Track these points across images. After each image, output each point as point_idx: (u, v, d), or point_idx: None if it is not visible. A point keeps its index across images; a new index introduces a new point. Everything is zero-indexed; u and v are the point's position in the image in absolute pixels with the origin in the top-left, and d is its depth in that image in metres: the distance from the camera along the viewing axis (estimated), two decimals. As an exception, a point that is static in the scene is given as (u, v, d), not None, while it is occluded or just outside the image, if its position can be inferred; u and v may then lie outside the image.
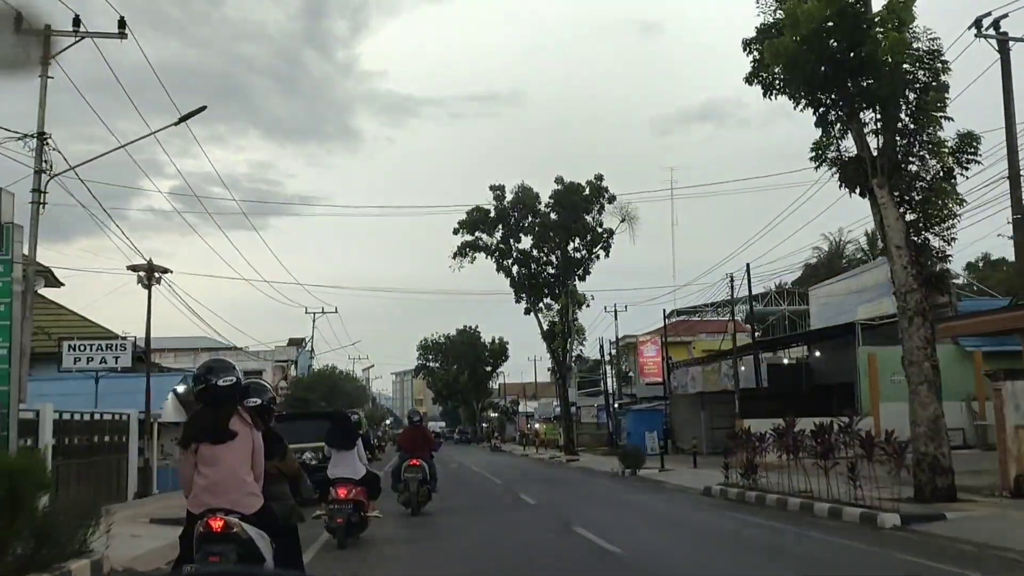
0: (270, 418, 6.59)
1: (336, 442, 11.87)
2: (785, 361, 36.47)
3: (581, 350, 44.96)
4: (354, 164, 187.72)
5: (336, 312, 54.84)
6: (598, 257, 43.57)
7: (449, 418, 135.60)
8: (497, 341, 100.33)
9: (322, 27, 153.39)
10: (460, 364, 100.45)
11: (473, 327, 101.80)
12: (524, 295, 45.88)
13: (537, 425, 66.74)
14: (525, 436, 65.58)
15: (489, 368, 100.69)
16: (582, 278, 43.63)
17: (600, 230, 43.15)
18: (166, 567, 7.73)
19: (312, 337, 53.32)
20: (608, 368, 47.85)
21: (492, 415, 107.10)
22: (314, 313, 54.35)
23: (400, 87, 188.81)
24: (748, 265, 26.32)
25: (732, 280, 26.38)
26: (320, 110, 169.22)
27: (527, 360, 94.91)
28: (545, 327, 45.53)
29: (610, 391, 49.68)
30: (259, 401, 6.21)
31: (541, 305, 45.86)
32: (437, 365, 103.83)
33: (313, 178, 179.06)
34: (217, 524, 5.03)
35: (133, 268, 33.96)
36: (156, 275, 34.47)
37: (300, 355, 57.67)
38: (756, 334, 35.62)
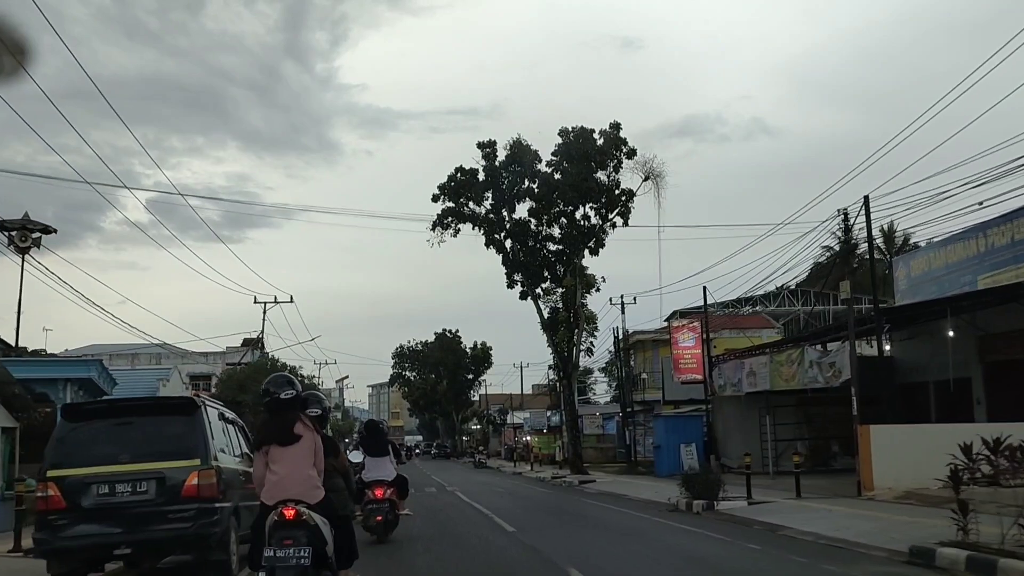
0: (325, 424, 7.48)
1: (371, 449, 12.58)
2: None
3: (591, 342, 36.13)
4: (333, 177, 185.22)
5: (291, 301, 45.73)
6: (614, 225, 34.92)
7: (427, 431, 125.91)
8: (479, 346, 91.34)
9: (301, 39, 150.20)
10: (439, 372, 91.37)
11: (453, 331, 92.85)
12: (520, 275, 37.11)
13: (528, 437, 57.79)
14: (515, 450, 56.55)
15: (471, 376, 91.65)
16: (594, 251, 34.88)
17: (617, 192, 34.48)
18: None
19: (263, 331, 44.07)
20: (620, 366, 38.93)
21: (474, 427, 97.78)
22: (264, 303, 45.24)
23: (379, 100, 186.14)
24: (867, 198, 17.66)
25: (845, 216, 17.63)
26: (299, 122, 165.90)
27: (512, 367, 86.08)
28: (546, 315, 36.78)
29: (624, 394, 40.82)
30: (319, 411, 7.11)
31: (539, 291, 37.16)
32: (414, 375, 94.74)
33: (292, 190, 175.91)
34: (290, 512, 5.64)
35: (2, 227, 25.34)
36: (34, 235, 25.67)
37: (248, 355, 48.62)
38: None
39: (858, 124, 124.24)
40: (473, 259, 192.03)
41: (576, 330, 35.56)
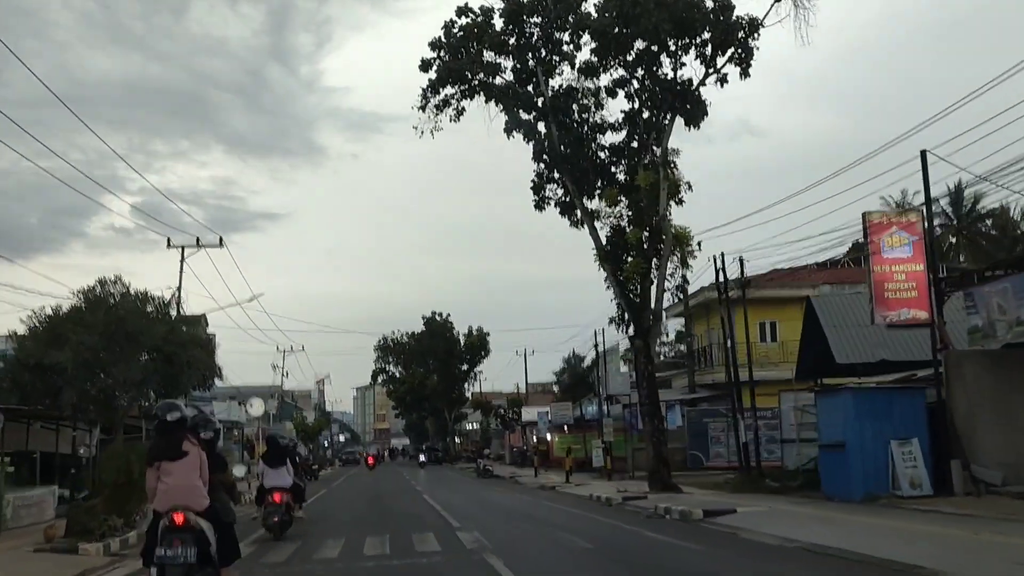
0: (215, 445, 8.24)
1: (271, 461, 14.65)
2: None
3: (683, 277, 22.32)
4: (318, 180, 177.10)
5: (221, 245, 31.84)
6: (724, 81, 21.26)
7: (414, 433, 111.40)
8: (475, 331, 77.49)
9: (286, 42, 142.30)
10: (428, 363, 77.45)
11: (444, 315, 78.99)
12: (561, 178, 23.59)
13: (548, 435, 44.05)
14: (532, 455, 42.62)
15: (465, 367, 77.79)
16: (692, 120, 21.24)
17: (728, 23, 20.82)
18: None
19: (180, 286, 29.95)
20: (729, 316, 24.93)
21: (469, 427, 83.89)
22: (182, 247, 31.32)
23: (364, 103, 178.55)
24: None
25: None
26: (284, 125, 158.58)
27: (515, 354, 72.53)
28: (604, 239, 23.16)
29: (731, 367, 27.00)
30: (212, 434, 8.05)
31: (590, 209, 23.54)
32: (400, 369, 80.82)
33: (277, 194, 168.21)
34: (179, 518, 6.72)
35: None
36: None
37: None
38: None
39: (847, 124, 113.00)
40: (467, 260, 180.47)
41: (656, 259, 21.89)
